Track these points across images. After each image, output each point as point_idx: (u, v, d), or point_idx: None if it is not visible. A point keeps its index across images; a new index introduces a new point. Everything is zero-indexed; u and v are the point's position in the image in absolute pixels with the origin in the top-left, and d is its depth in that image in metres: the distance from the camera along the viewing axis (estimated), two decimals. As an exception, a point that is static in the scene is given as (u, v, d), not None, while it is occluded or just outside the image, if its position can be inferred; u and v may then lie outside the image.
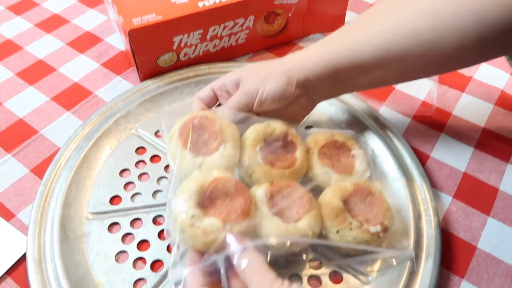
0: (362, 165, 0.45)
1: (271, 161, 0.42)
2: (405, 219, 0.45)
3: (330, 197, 0.41)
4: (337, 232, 0.40)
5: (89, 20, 0.70)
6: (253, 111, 0.44)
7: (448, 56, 0.41)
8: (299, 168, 0.43)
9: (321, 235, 0.41)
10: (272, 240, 0.36)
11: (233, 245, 0.32)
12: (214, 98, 0.46)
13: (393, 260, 0.42)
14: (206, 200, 0.36)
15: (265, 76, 0.43)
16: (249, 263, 0.32)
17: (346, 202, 0.41)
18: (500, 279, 0.42)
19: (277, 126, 0.44)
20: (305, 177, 0.45)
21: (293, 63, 0.44)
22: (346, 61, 0.42)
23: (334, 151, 0.46)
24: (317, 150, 0.45)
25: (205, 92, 0.46)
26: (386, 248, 0.42)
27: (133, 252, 0.43)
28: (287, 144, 0.44)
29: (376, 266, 0.42)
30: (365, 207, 0.41)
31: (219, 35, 0.59)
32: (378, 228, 0.40)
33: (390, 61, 0.42)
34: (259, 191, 0.39)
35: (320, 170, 0.44)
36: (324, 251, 0.43)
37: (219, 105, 0.46)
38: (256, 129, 0.43)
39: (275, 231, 0.37)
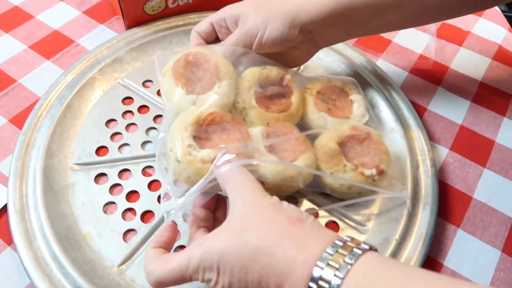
0: (360, 110, 0.44)
1: (266, 104, 0.41)
2: (403, 168, 0.44)
3: (325, 140, 0.40)
4: (331, 174, 0.39)
5: (68, -34, 0.65)
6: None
7: None
8: (294, 112, 0.42)
9: (316, 180, 0.40)
10: (265, 161, 0.35)
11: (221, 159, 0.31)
12: (212, 32, 0.44)
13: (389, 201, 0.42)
14: (202, 133, 0.34)
15: (267, 16, 0.40)
16: (230, 168, 0.30)
17: (342, 145, 0.40)
18: (495, 228, 0.42)
19: (273, 70, 0.42)
20: (301, 122, 0.44)
21: (300, 3, 0.40)
22: (359, 1, 0.40)
23: (332, 96, 0.45)
24: (313, 95, 0.44)
25: (203, 26, 0.44)
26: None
27: (122, 203, 0.41)
28: (282, 88, 0.43)
29: (373, 212, 0.41)
30: (362, 150, 0.40)
31: (210, -19, 0.56)
32: (373, 171, 0.39)
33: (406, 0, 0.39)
34: (255, 130, 0.37)
35: (316, 115, 0.43)
36: (318, 198, 0.42)
37: (218, 39, 0.44)
38: (252, 72, 0.41)
39: (271, 167, 0.35)
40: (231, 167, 0.30)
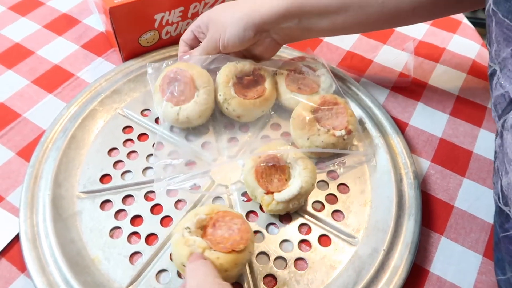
0: (326, 82, 0.52)
1: (243, 92, 0.50)
2: (388, 181, 0.47)
3: (300, 110, 0.48)
4: (308, 138, 0.47)
5: (64, 2, 0.69)
6: (221, 52, 0.50)
7: (406, 7, 0.45)
8: (269, 96, 0.51)
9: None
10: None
11: None
12: (195, 39, 0.52)
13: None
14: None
15: (225, 22, 0.47)
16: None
17: (314, 113, 0.48)
18: (476, 234, 0.45)
19: (246, 63, 0.51)
20: (277, 102, 0.53)
21: (252, 7, 0.47)
22: (308, 4, 0.46)
23: (300, 75, 0.53)
24: (284, 77, 0.52)
25: (187, 34, 0.53)
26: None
27: (127, 227, 0.44)
28: (257, 78, 0.51)
29: (363, 224, 0.45)
30: (332, 116, 0.49)
31: (200, 12, 0.59)
32: (343, 132, 0.47)
33: (351, 6, 0.45)
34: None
35: (288, 95, 0.51)
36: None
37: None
38: (228, 67, 0.50)
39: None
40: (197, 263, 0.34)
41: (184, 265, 0.36)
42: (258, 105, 0.50)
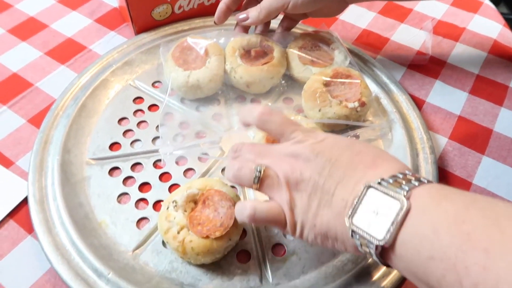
0: (340, 55, 0.51)
1: (250, 60, 0.50)
2: (403, 157, 0.46)
3: (312, 82, 0.47)
4: (319, 110, 0.46)
5: (79, -22, 0.69)
6: (284, 13, 0.49)
7: None
8: (277, 63, 0.49)
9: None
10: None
11: None
12: (237, 1, 0.50)
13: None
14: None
15: None
16: None
17: (327, 85, 0.47)
18: (495, 211, 0.43)
19: (252, 36, 0.51)
20: (290, 75, 0.52)
21: None
22: None
23: (314, 48, 0.52)
24: (297, 51, 0.51)
25: None
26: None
27: (135, 194, 0.43)
28: (265, 49, 0.51)
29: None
30: (345, 88, 0.47)
31: (213, -13, 0.59)
32: (356, 104, 0.45)
33: None
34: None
35: (302, 68, 0.50)
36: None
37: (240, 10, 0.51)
38: (235, 40, 0.51)
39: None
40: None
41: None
42: (265, 72, 0.49)
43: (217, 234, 0.35)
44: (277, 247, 0.40)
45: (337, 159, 0.31)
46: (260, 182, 0.32)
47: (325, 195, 0.30)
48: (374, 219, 0.27)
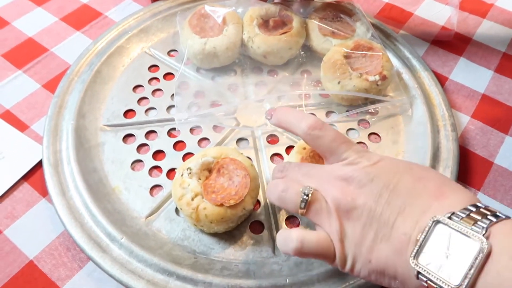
0: (362, 27, 0.49)
1: (268, 30, 0.48)
2: (423, 132, 0.44)
3: (332, 53, 0.46)
4: (338, 83, 0.45)
5: None
6: None
7: None
8: (296, 33, 0.48)
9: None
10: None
11: None
12: None
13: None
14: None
15: None
16: None
17: (347, 57, 0.46)
18: (517, 192, 0.42)
19: (271, 6, 0.50)
20: (309, 47, 0.50)
21: None
22: None
23: (335, 20, 0.50)
24: (317, 21, 0.49)
25: None
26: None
27: (149, 161, 0.43)
28: (284, 18, 0.49)
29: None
30: (366, 61, 0.45)
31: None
32: (376, 77, 0.44)
33: None
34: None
35: (322, 40, 0.49)
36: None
37: None
38: (253, 9, 0.50)
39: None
40: None
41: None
42: (283, 42, 0.47)
43: (231, 202, 0.35)
44: (291, 219, 0.40)
45: (395, 185, 0.27)
46: (307, 206, 0.30)
47: (382, 227, 0.27)
48: (446, 261, 0.23)
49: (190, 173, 0.37)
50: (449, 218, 0.24)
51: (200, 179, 0.37)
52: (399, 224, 0.26)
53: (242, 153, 0.39)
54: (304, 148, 0.39)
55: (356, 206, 0.28)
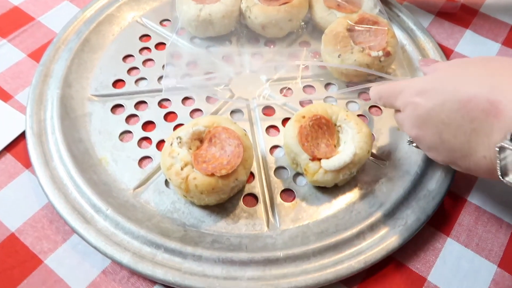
0: (370, 2, 0.46)
1: (268, 1, 0.45)
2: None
3: (334, 25, 0.43)
4: (339, 56, 0.42)
5: None
6: None
7: None
8: (297, 4, 0.45)
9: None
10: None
11: None
12: None
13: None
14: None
15: None
16: None
17: (350, 30, 0.43)
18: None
19: None
20: (312, 20, 0.48)
21: None
22: None
23: None
24: None
25: None
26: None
27: (138, 132, 0.41)
28: None
29: (393, 148, 0.40)
30: (370, 35, 0.43)
31: None
32: (380, 53, 0.41)
33: None
34: None
35: (326, 12, 0.46)
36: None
37: None
38: None
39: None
40: None
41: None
42: (282, 12, 0.44)
43: (223, 172, 0.33)
44: (286, 193, 0.38)
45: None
46: None
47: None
48: None
49: (180, 142, 0.35)
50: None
51: (190, 148, 0.35)
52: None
53: (235, 122, 0.37)
54: (304, 117, 0.36)
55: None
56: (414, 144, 0.36)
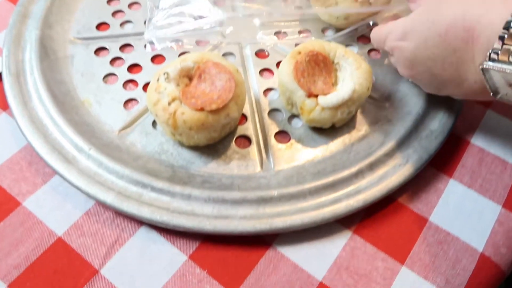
0: None
1: None
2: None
3: None
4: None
5: None
6: None
7: None
8: None
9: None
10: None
11: None
12: None
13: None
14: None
15: None
16: None
17: None
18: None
19: None
20: None
21: None
22: None
23: None
24: None
25: None
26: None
27: (123, 74, 0.39)
28: None
29: (393, 89, 0.38)
30: None
31: None
32: None
33: None
34: None
35: None
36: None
37: None
38: None
39: None
40: None
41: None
42: None
43: (213, 106, 0.31)
44: (281, 135, 0.36)
45: None
46: None
47: None
48: None
49: (167, 78, 0.32)
50: None
51: (179, 85, 0.33)
52: None
53: (226, 59, 0.34)
54: (299, 53, 0.34)
55: None
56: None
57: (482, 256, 0.30)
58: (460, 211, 0.32)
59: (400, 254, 0.30)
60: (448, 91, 0.32)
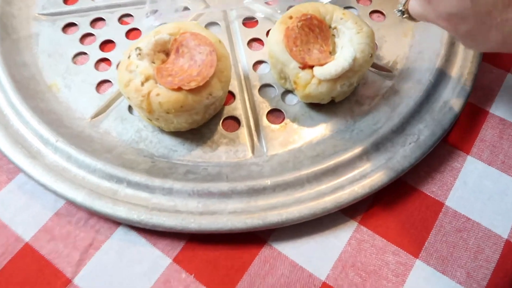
0: None
1: None
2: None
3: None
4: None
5: None
6: None
7: None
8: None
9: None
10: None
11: None
12: None
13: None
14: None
15: None
16: None
17: None
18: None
19: None
20: None
21: None
22: None
23: None
24: None
25: None
26: None
27: (95, 53, 0.34)
28: None
29: (401, 56, 0.34)
30: None
31: None
32: None
33: None
34: None
35: None
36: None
37: None
38: None
39: None
40: None
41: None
42: None
43: (192, 84, 0.27)
44: (273, 114, 0.32)
45: None
46: None
47: None
48: None
49: (139, 54, 0.28)
50: None
51: (154, 62, 0.28)
52: None
53: (207, 28, 0.30)
54: (291, 17, 0.30)
55: None
56: (406, 16, 0.28)
57: (508, 244, 0.26)
58: (480, 192, 0.28)
59: (413, 246, 0.26)
60: (478, 30, 0.23)
